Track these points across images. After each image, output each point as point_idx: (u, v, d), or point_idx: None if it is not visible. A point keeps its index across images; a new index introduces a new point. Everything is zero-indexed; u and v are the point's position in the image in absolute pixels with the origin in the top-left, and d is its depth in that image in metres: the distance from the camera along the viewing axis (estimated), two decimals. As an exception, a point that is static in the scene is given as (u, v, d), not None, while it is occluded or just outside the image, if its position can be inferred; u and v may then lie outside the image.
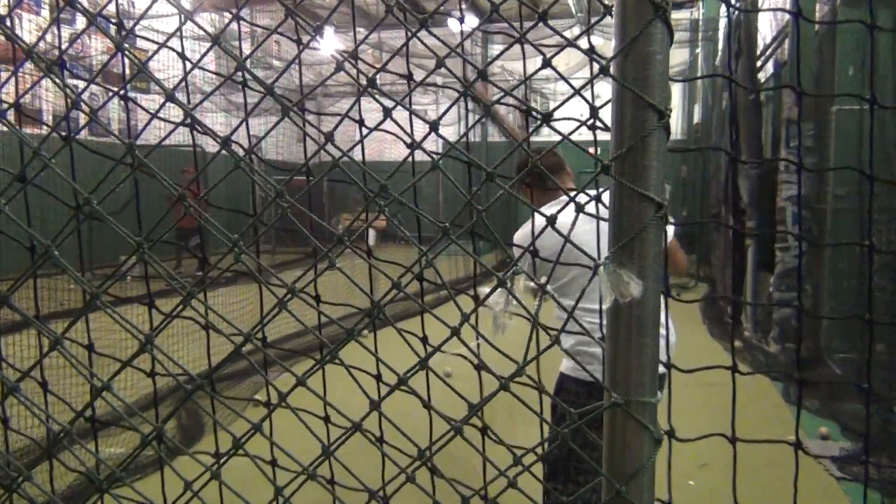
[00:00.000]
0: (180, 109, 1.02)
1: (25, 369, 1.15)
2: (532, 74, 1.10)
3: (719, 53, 11.96)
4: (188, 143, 1.48)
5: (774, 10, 7.21)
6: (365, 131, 1.29)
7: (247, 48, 10.90)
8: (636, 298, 0.87)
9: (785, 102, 6.94)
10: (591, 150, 1.38)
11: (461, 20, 1.43)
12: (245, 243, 0.99)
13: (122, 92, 1.23)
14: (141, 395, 4.01)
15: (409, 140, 1.03)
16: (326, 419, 1.37)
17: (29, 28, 10.28)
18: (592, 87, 1.01)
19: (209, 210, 1.05)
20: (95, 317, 1.13)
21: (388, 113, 0.98)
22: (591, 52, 0.96)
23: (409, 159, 1.04)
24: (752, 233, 7.73)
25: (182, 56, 1.23)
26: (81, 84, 1.13)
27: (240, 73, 1.09)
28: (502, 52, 1.24)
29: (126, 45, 1.03)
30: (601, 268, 0.88)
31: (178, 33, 1.12)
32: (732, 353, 1.19)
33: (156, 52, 1.09)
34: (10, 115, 1.25)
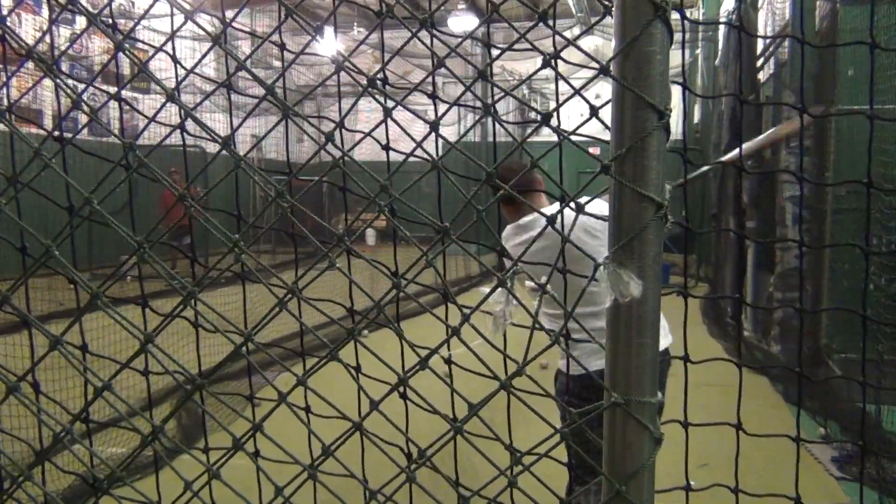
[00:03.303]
0: (178, 109, 1.02)
1: (26, 369, 1.15)
2: (532, 74, 1.09)
3: (719, 53, 11.97)
4: (188, 144, 1.48)
5: (711, 23, 7.19)
6: (366, 131, 1.29)
7: (247, 48, 10.89)
8: (636, 298, 0.87)
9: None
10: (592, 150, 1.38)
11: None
12: (245, 243, 0.99)
13: (118, 93, 1.22)
14: (140, 395, 4.00)
15: (408, 141, 1.03)
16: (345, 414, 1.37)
17: (28, 28, 10.27)
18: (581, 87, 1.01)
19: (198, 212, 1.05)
20: (93, 317, 1.13)
21: (388, 113, 0.98)
22: (585, 53, 0.96)
23: (408, 158, 1.04)
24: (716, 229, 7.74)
25: (175, 60, 1.23)
26: (82, 84, 1.13)
27: (232, 77, 1.09)
28: (502, 53, 1.24)
29: (126, 46, 1.03)
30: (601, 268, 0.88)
31: (178, 34, 1.12)
32: (685, 358, 1.19)
33: (155, 53, 1.09)
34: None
